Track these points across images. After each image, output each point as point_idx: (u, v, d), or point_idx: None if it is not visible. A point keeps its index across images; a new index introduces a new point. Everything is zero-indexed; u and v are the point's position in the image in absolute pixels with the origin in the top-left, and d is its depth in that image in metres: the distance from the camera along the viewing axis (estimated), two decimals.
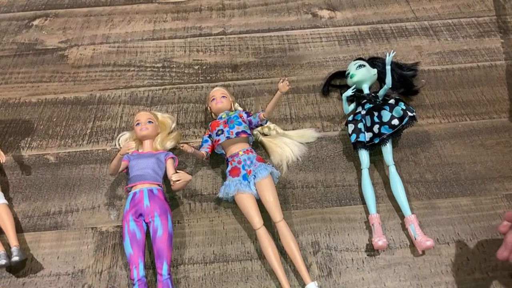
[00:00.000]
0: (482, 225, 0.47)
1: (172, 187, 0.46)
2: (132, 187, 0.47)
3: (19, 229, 0.48)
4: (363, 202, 0.49)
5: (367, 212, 0.48)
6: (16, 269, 0.45)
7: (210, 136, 0.52)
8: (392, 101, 0.51)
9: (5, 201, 0.48)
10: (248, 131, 0.50)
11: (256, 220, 0.45)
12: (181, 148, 0.47)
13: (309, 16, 0.72)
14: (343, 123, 0.56)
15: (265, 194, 0.46)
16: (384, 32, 0.69)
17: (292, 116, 0.58)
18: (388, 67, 0.52)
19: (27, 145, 0.56)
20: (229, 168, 0.48)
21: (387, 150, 0.50)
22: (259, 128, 0.55)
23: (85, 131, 0.57)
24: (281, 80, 0.47)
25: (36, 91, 0.63)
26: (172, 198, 0.50)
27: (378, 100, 0.53)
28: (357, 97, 0.54)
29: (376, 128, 0.50)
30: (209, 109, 0.55)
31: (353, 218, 0.48)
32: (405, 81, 0.57)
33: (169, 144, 0.53)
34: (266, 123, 0.53)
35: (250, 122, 0.51)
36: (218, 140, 0.49)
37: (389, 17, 0.71)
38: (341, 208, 0.49)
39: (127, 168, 0.49)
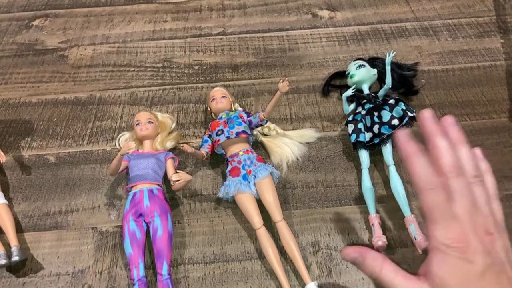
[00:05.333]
0: None
1: (172, 187, 0.46)
2: (132, 187, 0.47)
3: (19, 229, 0.48)
4: (363, 202, 0.48)
5: (367, 212, 0.48)
6: (16, 269, 0.45)
7: (210, 136, 0.52)
8: (392, 101, 0.51)
9: (5, 201, 0.48)
10: (248, 131, 0.50)
11: (256, 220, 0.45)
12: (181, 148, 0.47)
13: (309, 17, 0.72)
14: (343, 123, 0.56)
15: (265, 194, 0.46)
16: (384, 32, 0.69)
17: (292, 116, 0.58)
18: (388, 67, 0.52)
19: (27, 145, 0.56)
20: (229, 168, 0.48)
21: (387, 150, 0.50)
22: (259, 128, 0.55)
23: (85, 131, 0.57)
24: (281, 80, 0.47)
25: (36, 91, 0.63)
26: (172, 198, 0.50)
27: (378, 100, 0.53)
28: (357, 97, 0.54)
29: (376, 128, 0.50)
30: (209, 109, 0.55)
31: (353, 218, 0.48)
32: (405, 81, 0.57)
33: (169, 144, 0.53)
34: (266, 123, 0.53)
35: (250, 122, 0.51)
36: (218, 140, 0.49)
37: (389, 17, 0.71)
38: (341, 208, 0.49)
39: (127, 168, 0.49)
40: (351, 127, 0.52)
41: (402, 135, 0.28)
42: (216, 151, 0.51)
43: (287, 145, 0.53)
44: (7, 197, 0.50)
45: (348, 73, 0.57)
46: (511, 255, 0.25)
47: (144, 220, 0.45)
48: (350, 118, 0.53)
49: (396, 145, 0.29)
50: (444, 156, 0.27)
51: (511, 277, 0.24)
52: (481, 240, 0.25)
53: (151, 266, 0.45)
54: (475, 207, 0.26)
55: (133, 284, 0.42)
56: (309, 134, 0.55)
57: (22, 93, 0.63)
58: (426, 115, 0.28)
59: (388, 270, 0.28)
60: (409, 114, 0.49)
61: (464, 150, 0.28)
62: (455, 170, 0.27)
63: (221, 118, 0.51)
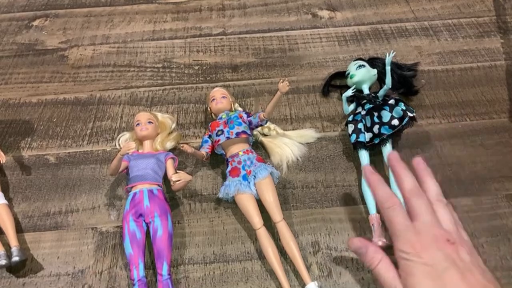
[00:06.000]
0: (482, 225, 0.47)
1: (172, 187, 0.46)
2: (132, 187, 0.47)
3: (19, 229, 0.48)
4: (363, 202, 0.49)
5: (367, 212, 0.48)
6: (16, 269, 0.45)
7: (210, 136, 0.52)
8: (392, 101, 0.51)
9: (5, 201, 0.48)
10: (248, 132, 0.50)
11: (256, 220, 0.45)
12: (181, 148, 0.47)
13: (309, 17, 0.72)
14: (343, 123, 0.56)
15: (265, 194, 0.46)
16: (384, 32, 0.69)
17: (292, 116, 0.58)
18: (388, 68, 0.52)
19: (27, 146, 0.56)
20: (229, 168, 0.48)
21: (387, 150, 0.50)
22: (259, 129, 0.55)
23: (85, 132, 0.57)
24: (281, 81, 0.47)
25: (36, 91, 0.63)
26: (172, 198, 0.50)
27: (378, 100, 0.53)
28: (357, 98, 0.54)
29: (376, 129, 0.50)
30: (209, 109, 0.55)
31: (353, 218, 0.48)
32: (405, 82, 0.57)
33: (169, 145, 0.53)
34: (266, 124, 0.53)
35: (250, 123, 0.51)
36: (218, 141, 0.49)
37: (389, 17, 0.71)
38: (341, 208, 0.49)
39: (127, 168, 0.49)
40: (351, 127, 0.52)
41: (367, 170, 0.33)
42: (216, 151, 0.51)
43: (287, 145, 0.53)
44: (7, 197, 0.50)
45: (348, 73, 0.57)
46: (478, 261, 0.28)
47: (144, 220, 0.45)
48: (350, 118, 0.53)
49: (364, 176, 0.34)
50: (406, 182, 0.32)
51: (478, 278, 0.27)
52: (442, 247, 0.28)
53: (151, 266, 0.45)
54: (436, 222, 0.30)
55: (133, 284, 0.42)
56: (309, 134, 0.55)
57: (22, 93, 0.63)
58: (392, 157, 0.33)
59: (383, 265, 0.30)
60: (409, 114, 0.49)
61: (430, 181, 0.33)
62: (414, 192, 0.31)
63: (221, 118, 0.51)
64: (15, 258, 0.44)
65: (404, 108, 0.49)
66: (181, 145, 0.47)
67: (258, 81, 0.62)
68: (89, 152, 0.55)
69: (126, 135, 0.55)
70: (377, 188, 0.33)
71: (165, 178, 0.49)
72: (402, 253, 0.29)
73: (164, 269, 0.42)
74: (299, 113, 0.58)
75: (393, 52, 0.52)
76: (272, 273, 0.44)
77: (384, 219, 0.32)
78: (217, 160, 0.53)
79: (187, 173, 0.47)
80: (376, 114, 0.50)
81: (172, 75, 0.64)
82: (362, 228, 0.47)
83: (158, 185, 0.47)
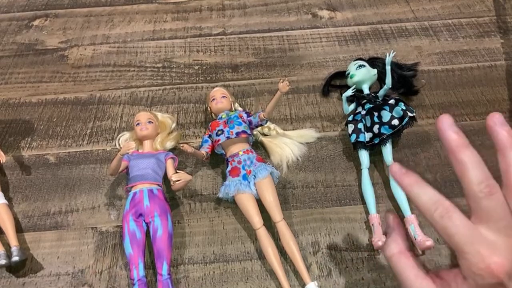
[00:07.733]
0: None
1: (172, 187, 0.46)
2: (132, 187, 0.47)
3: (19, 229, 0.48)
4: (363, 202, 0.49)
5: (367, 212, 0.48)
6: (16, 269, 0.45)
7: (210, 136, 0.52)
8: (392, 101, 0.51)
9: (5, 201, 0.48)
10: (248, 131, 0.50)
11: (256, 220, 0.45)
12: (181, 148, 0.47)
13: (309, 17, 0.72)
14: (343, 123, 0.56)
15: (265, 194, 0.46)
16: (384, 32, 0.69)
17: (292, 116, 0.58)
18: (388, 68, 0.52)
19: (27, 145, 0.56)
20: (229, 168, 0.48)
21: (387, 150, 0.50)
22: (259, 128, 0.55)
23: (85, 131, 0.57)
24: (281, 80, 0.47)
25: (36, 91, 0.63)
26: (172, 198, 0.50)
27: (378, 100, 0.53)
28: (357, 97, 0.54)
29: (376, 128, 0.50)
30: (209, 109, 0.55)
31: (353, 218, 0.48)
32: (405, 81, 0.57)
33: (169, 144, 0.53)
34: (266, 123, 0.53)
35: (250, 122, 0.51)
36: (218, 140, 0.49)
37: (389, 17, 0.71)
38: (341, 208, 0.49)
39: (127, 168, 0.49)
40: (351, 127, 0.52)
41: (396, 168, 0.26)
42: (216, 151, 0.51)
43: (287, 145, 0.53)
44: (7, 197, 0.50)
45: (348, 73, 0.57)
46: None
47: (144, 220, 0.45)
48: (350, 118, 0.53)
49: (395, 178, 0.27)
50: (469, 173, 0.24)
51: None
52: None
53: (151, 266, 0.45)
54: None
55: (133, 284, 0.42)
56: (309, 134, 0.55)
57: (22, 93, 0.63)
58: (445, 121, 0.25)
59: (400, 261, 0.25)
60: (409, 114, 0.49)
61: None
62: (483, 189, 0.24)
63: (221, 118, 0.51)
64: (15, 258, 0.44)
65: (404, 108, 0.49)
66: (181, 145, 0.47)
67: (258, 81, 0.62)
68: (89, 152, 0.55)
69: (126, 135, 0.55)
70: (417, 191, 0.25)
71: (165, 178, 0.49)
72: (470, 272, 0.22)
73: (164, 269, 0.42)
74: (299, 113, 0.58)
75: (393, 52, 0.52)
76: (272, 273, 0.44)
77: (436, 231, 0.24)
78: (217, 160, 0.53)
79: (187, 173, 0.47)
80: (376, 114, 0.51)
81: (172, 75, 0.64)
82: (362, 228, 0.47)
83: (158, 185, 0.47)
